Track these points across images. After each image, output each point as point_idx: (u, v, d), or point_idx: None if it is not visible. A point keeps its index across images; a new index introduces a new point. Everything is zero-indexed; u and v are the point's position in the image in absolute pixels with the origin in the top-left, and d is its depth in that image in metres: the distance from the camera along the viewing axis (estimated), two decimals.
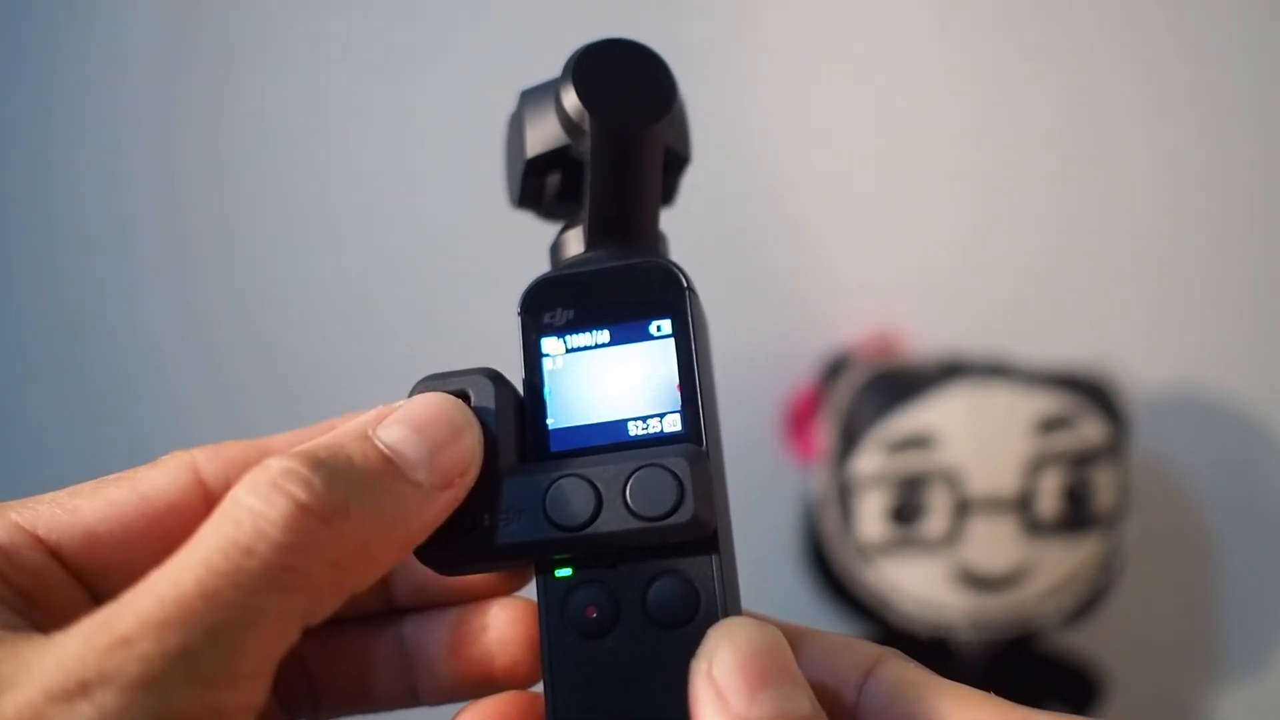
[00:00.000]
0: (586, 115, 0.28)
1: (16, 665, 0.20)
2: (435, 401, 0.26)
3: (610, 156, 0.29)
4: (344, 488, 0.23)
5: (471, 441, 0.26)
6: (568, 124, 0.29)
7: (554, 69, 0.31)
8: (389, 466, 0.25)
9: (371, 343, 0.80)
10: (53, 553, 0.26)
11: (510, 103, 0.32)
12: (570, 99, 0.28)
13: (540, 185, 0.31)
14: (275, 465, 0.23)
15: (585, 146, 0.29)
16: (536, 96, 0.30)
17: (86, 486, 0.27)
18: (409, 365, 0.30)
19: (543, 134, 0.29)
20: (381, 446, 0.25)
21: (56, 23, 0.82)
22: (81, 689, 0.20)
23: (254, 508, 0.22)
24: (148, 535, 0.26)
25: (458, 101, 0.81)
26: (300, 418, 0.31)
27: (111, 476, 0.27)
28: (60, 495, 0.26)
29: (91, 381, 0.82)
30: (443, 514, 0.26)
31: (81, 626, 0.21)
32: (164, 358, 0.81)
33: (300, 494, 0.22)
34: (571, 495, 0.26)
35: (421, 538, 0.26)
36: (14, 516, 0.26)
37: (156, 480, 0.27)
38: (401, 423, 0.25)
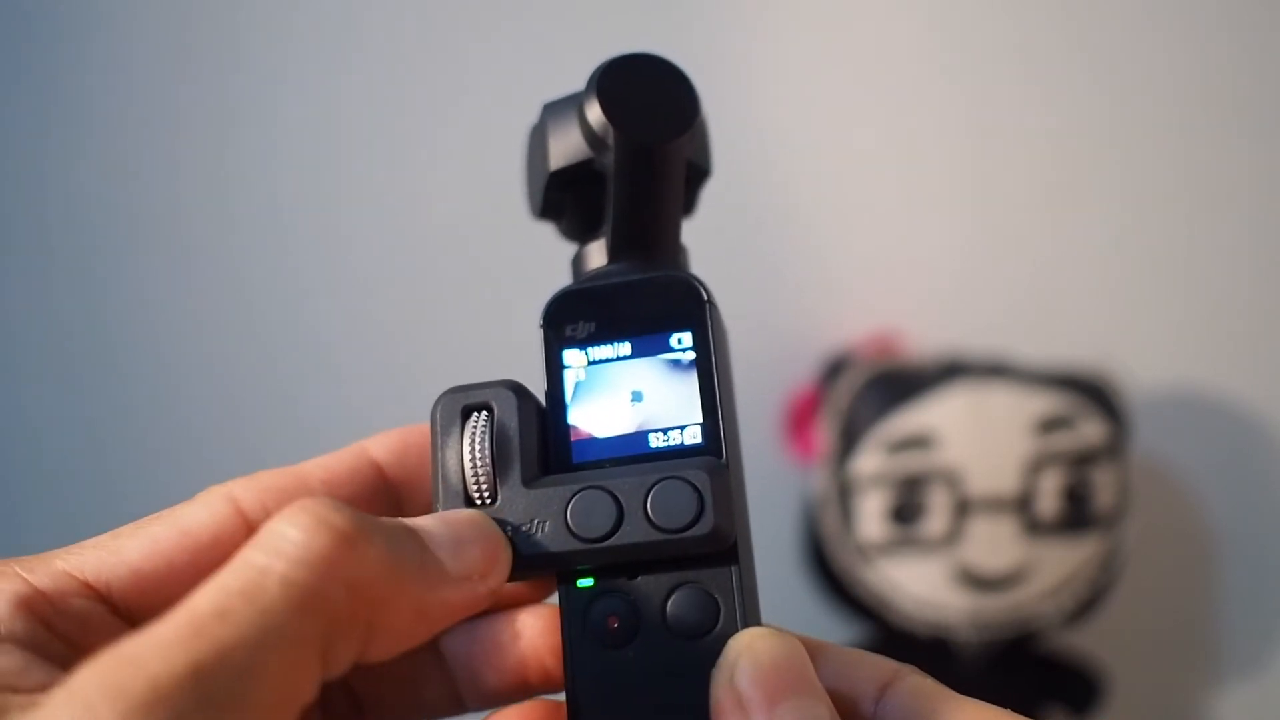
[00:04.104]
0: (610, 129, 0.28)
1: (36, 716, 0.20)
2: (467, 511, 0.27)
3: (633, 170, 0.29)
4: (372, 525, 0.23)
5: (498, 548, 0.26)
6: (591, 138, 0.29)
7: (564, 77, 0.31)
8: (415, 534, 0.25)
9: (386, 357, 0.80)
10: (101, 597, 0.25)
11: (522, 111, 0.32)
12: (594, 113, 0.28)
13: (562, 198, 0.31)
14: (311, 498, 0.23)
15: (608, 160, 0.29)
16: (559, 109, 0.30)
17: (128, 527, 0.27)
18: (424, 379, 0.30)
19: (566, 147, 0.30)
20: (410, 524, 0.25)
21: (58, 24, 0.81)
22: (88, 713, 0.19)
23: (277, 530, 0.22)
24: (192, 570, 0.26)
25: (469, 110, 0.81)
26: (310, 431, 0.31)
27: (151, 516, 0.27)
28: (103, 538, 0.26)
29: (92, 386, 0.82)
30: (460, 608, 0.25)
31: (96, 656, 0.20)
32: (168, 366, 0.81)
33: (329, 515, 0.22)
34: (593, 507, 0.26)
35: (439, 624, 0.25)
36: (60, 564, 0.25)
37: (196, 514, 0.27)
38: (431, 517, 0.26)
